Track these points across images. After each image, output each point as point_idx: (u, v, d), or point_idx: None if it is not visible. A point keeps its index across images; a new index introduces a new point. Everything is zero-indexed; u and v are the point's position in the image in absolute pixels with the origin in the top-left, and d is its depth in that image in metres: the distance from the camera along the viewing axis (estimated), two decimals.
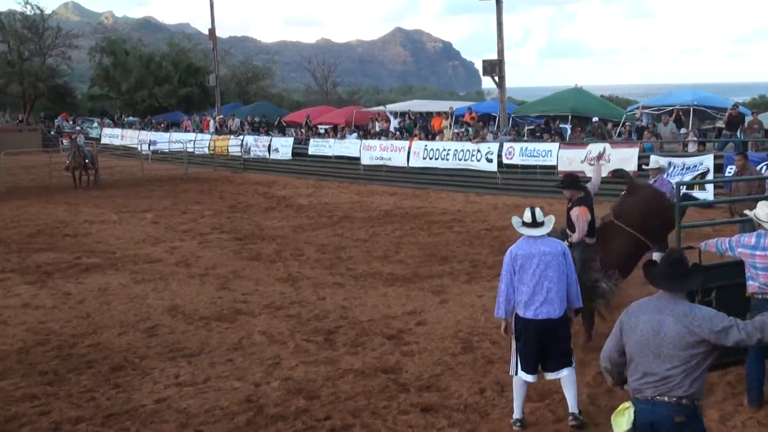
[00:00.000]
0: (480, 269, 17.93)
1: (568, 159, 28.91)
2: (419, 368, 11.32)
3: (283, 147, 41.45)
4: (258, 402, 10.25)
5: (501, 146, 31.32)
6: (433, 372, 11.16)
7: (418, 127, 38.54)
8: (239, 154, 43.81)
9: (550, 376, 9.27)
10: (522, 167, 30.52)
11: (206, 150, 46.08)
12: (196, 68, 72.06)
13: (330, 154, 38.57)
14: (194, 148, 45.92)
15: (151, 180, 39.06)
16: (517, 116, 39.53)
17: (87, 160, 35.73)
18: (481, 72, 38.20)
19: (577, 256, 11.55)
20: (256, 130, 46.14)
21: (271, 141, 42.51)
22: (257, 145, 43.02)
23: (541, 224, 9.24)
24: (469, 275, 17.37)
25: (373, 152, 36.37)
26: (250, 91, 75.05)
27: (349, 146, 37.93)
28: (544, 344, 9.06)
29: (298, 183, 36.96)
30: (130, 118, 64.14)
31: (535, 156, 30.00)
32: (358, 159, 36.96)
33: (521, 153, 30.54)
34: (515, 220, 9.45)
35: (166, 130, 52.83)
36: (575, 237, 12.13)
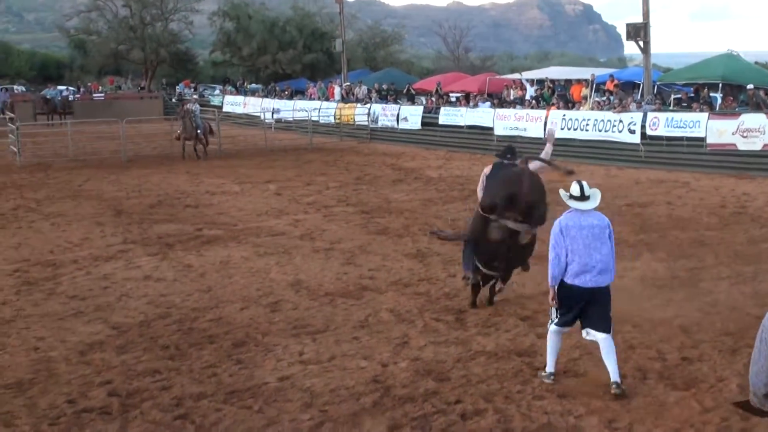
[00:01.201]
0: (621, 247, 17.56)
1: (719, 130, 28.19)
2: None
3: (412, 116, 41.47)
4: (385, 383, 10.32)
5: (645, 116, 30.75)
6: (570, 356, 11.04)
7: (556, 95, 38.09)
8: (366, 123, 44.03)
9: (588, 335, 10.08)
10: (667, 139, 29.90)
11: (331, 119, 46.41)
12: (322, 33, 72.45)
13: (461, 123, 38.43)
14: (319, 116, 46.30)
15: (274, 150, 39.55)
16: (662, 84, 38.66)
17: (199, 131, 36.11)
18: (624, 37, 37.41)
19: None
20: (383, 98, 46.29)
21: (399, 110, 42.58)
22: (385, 114, 43.16)
23: (588, 198, 10.06)
24: None
25: (507, 122, 36.11)
26: (377, 57, 75.11)
27: (481, 115, 37.71)
28: (585, 308, 9.98)
29: (427, 154, 36.96)
30: (253, 85, 64.94)
31: (682, 127, 29.34)
32: (491, 129, 36.72)
33: (667, 124, 29.92)
34: (563, 193, 10.18)
35: (290, 97, 53.40)
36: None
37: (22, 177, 30.78)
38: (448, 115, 39.40)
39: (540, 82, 43.43)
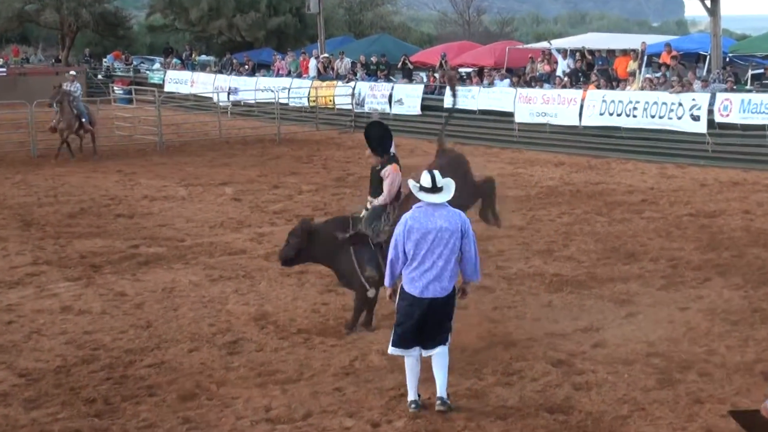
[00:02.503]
0: (681, 270, 17.71)
1: None
2: (598, 407, 11.24)
3: (409, 97, 41.46)
4: None
5: (712, 98, 30.79)
6: (617, 413, 11.08)
7: (596, 70, 38.13)
8: (349, 107, 44.09)
9: (425, 353, 11.32)
10: (743, 128, 29.96)
11: (305, 101, 46.41)
12: None
13: (473, 107, 38.40)
14: (289, 98, 46.24)
15: (230, 142, 39.68)
16: (736, 56, 38.80)
17: (83, 119, 35.57)
18: None
19: (372, 218, 14.60)
20: (372, 73, 46.24)
21: (392, 89, 42.65)
22: (374, 94, 43.18)
23: (441, 189, 11.19)
24: (666, 278, 17.20)
25: (532, 105, 36.18)
26: (364, 21, 75.22)
27: (499, 97, 37.80)
28: (426, 321, 11.19)
29: (429, 147, 36.78)
30: (203, 57, 64.73)
31: (763, 112, 29.38)
32: (511, 115, 36.81)
33: (742, 108, 29.95)
34: (411, 184, 11.45)
35: (252, 73, 53.34)
36: (381, 198, 14.71)
37: None
38: (456, 97, 39.28)
39: (574, 54, 43.42)
